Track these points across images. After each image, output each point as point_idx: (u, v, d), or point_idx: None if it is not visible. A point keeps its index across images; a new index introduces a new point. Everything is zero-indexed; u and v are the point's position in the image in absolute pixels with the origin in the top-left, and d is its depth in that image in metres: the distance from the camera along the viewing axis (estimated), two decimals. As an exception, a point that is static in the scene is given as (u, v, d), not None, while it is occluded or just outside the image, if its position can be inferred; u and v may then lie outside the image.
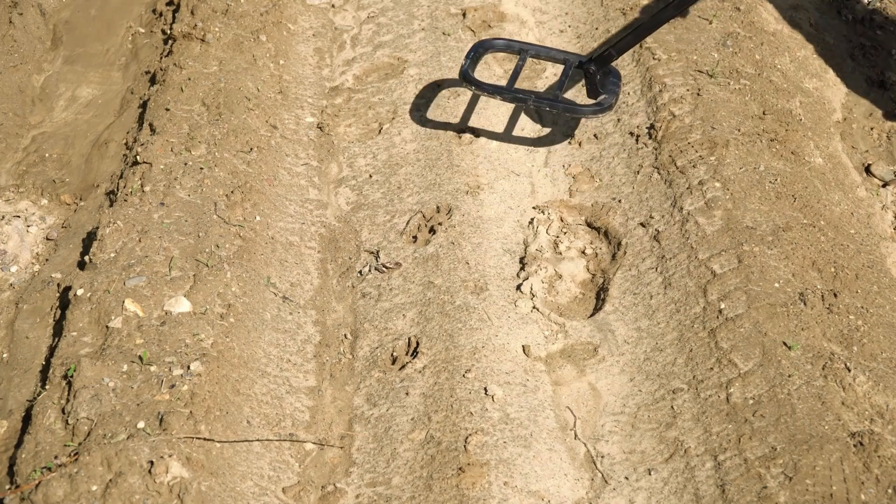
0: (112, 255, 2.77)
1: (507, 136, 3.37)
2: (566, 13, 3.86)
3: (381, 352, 2.75)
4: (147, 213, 2.89)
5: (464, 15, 3.84)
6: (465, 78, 3.13)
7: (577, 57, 3.23)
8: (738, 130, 3.20)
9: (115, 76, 3.66)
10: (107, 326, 2.59)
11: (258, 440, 2.49)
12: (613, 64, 3.21)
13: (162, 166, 3.04)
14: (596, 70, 3.15)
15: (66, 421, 2.36)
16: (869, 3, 3.94)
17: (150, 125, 3.20)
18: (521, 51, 3.23)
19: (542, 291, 2.91)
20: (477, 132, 3.38)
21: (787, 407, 2.46)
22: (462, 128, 3.35)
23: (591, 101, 3.18)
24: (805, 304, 2.70)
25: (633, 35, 3.10)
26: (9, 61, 3.53)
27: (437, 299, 2.84)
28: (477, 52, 3.21)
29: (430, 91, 3.53)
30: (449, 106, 3.47)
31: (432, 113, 3.44)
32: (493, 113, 3.47)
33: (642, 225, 3.03)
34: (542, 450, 2.53)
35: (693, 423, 2.53)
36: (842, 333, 2.66)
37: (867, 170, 3.35)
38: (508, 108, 3.50)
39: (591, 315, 2.88)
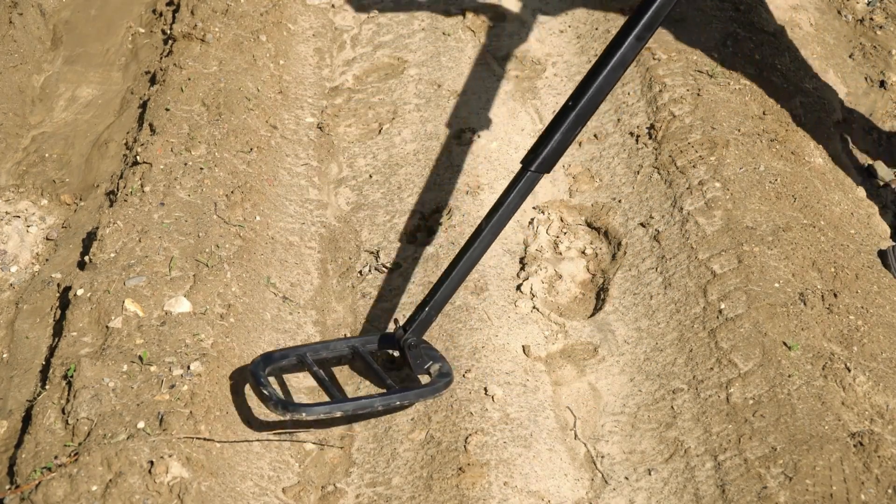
0: (112, 255, 2.77)
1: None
2: (566, 13, 3.86)
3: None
4: (147, 213, 2.89)
5: (464, 15, 3.84)
6: (287, 408, 2.41)
7: (364, 339, 2.67)
8: (738, 130, 3.20)
9: (115, 76, 3.66)
10: (107, 326, 2.59)
11: (258, 440, 2.49)
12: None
13: (162, 166, 3.04)
14: (417, 340, 2.60)
15: (66, 421, 2.36)
16: (869, 2, 3.94)
17: (150, 125, 3.20)
18: (301, 355, 2.59)
19: (542, 291, 2.91)
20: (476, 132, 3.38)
21: (787, 407, 2.46)
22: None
23: (430, 377, 2.59)
24: (805, 304, 2.70)
25: (448, 285, 2.56)
26: (9, 61, 3.53)
27: (437, 299, 2.84)
28: (263, 377, 2.49)
29: (431, 91, 3.53)
30: (449, 106, 3.47)
31: (432, 113, 3.44)
32: (494, 113, 3.47)
33: (642, 225, 3.03)
34: (542, 450, 2.53)
35: (693, 423, 2.53)
36: (842, 333, 2.66)
37: (867, 170, 3.35)
38: (507, 109, 3.50)
39: (591, 315, 2.88)
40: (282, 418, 2.43)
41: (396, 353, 2.68)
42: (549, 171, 2.48)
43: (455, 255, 2.56)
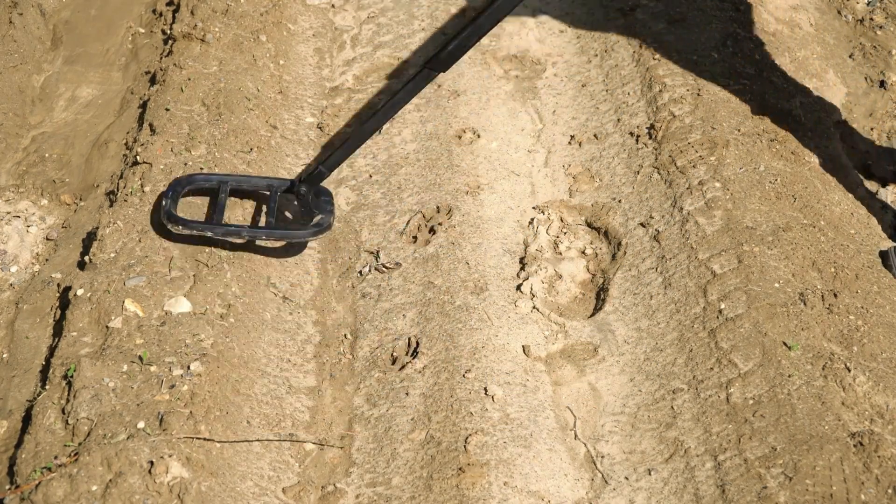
0: (112, 255, 2.77)
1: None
2: (566, 13, 3.86)
3: (381, 352, 2.75)
4: (147, 213, 2.89)
5: (464, 15, 3.84)
6: (170, 219, 2.82)
7: (281, 182, 3.02)
8: (738, 130, 3.20)
9: (115, 76, 3.66)
10: (107, 326, 2.59)
11: (258, 440, 2.49)
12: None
13: (162, 166, 3.04)
14: (308, 191, 2.98)
15: (66, 421, 2.36)
16: (869, 2, 3.94)
17: (150, 125, 3.21)
18: (221, 183, 2.99)
19: (542, 291, 2.91)
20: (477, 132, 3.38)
21: (787, 407, 2.46)
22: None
23: (309, 224, 2.96)
24: (805, 304, 2.70)
25: (342, 150, 2.96)
26: (9, 61, 3.53)
27: (437, 299, 2.84)
28: (175, 191, 2.91)
29: (430, 91, 3.53)
30: (449, 106, 3.47)
31: (432, 113, 3.44)
32: (494, 113, 3.47)
33: (642, 225, 3.03)
34: (542, 450, 2.53)
35: (693, 423, 2.53)
36: (842, 333, 2.66)
37: (867, 170, 3.35)
38: (507, 109, 3.50)
39: (591, 315, 2.88)
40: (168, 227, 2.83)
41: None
42: (444, 70, 2.80)
43: (353, 127, 2.97)
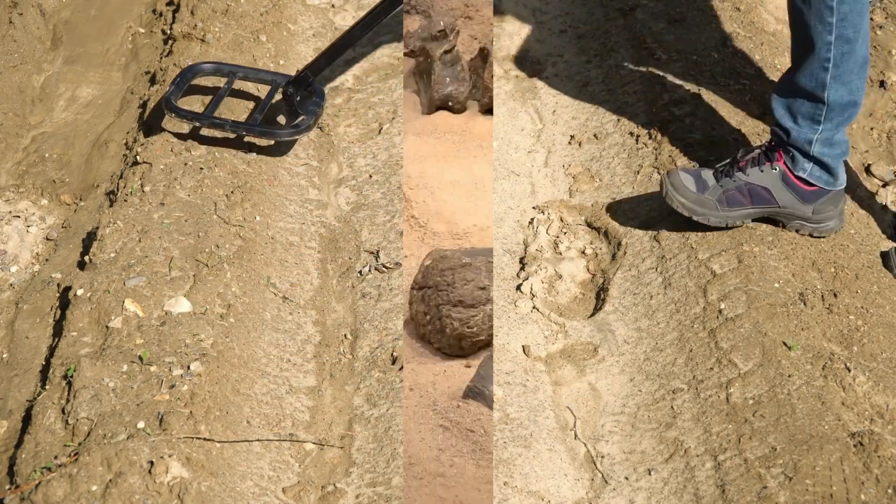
0: (112, 255, 2.77)
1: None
2: (566, 13, 3.86)
3: (381, 352, 2.75)
4: (147, 213, 2.89)
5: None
6: (167, 105, 3.08)
7: (284, 78, 3.23)
8: (739, 130, 3.20)
9: (115, 76, 3.66)
10: (107, 326, 2.59)
11: (258, 440, 2.49)
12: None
13: (162, 166, 3.04)
14: (294, 92, 3.16)
15: (66, 421, 2.36)
16: (869, 2, 3.93)
17: (150, 125, 3.21)
18: (230, 73, 3.24)
19: (542, 291, 2.91)
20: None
21: (787, 407, 2.46)
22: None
23: (290, 124, 3.17)
24: (805, 304, 2.70)
25: (326, 56, 3.17)
26: (9, 61, 3.54)
27: (437, 299, 2.84)
28: (184, 78, 3.18)
29: (430, 91, 3.53)
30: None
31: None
32: (494, 113, 3.47)
33: (642, 225, 3.03)
34: (542, 450, 2.53)
35: (693, 423, 2.53)
36: (842, 333, 2.66)
37: (867, 170, 3.35)
38: (507, 109, 3.50)
39: (591, 315, 2.88)
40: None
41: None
42: None
43: (337, 36, 3.24)
